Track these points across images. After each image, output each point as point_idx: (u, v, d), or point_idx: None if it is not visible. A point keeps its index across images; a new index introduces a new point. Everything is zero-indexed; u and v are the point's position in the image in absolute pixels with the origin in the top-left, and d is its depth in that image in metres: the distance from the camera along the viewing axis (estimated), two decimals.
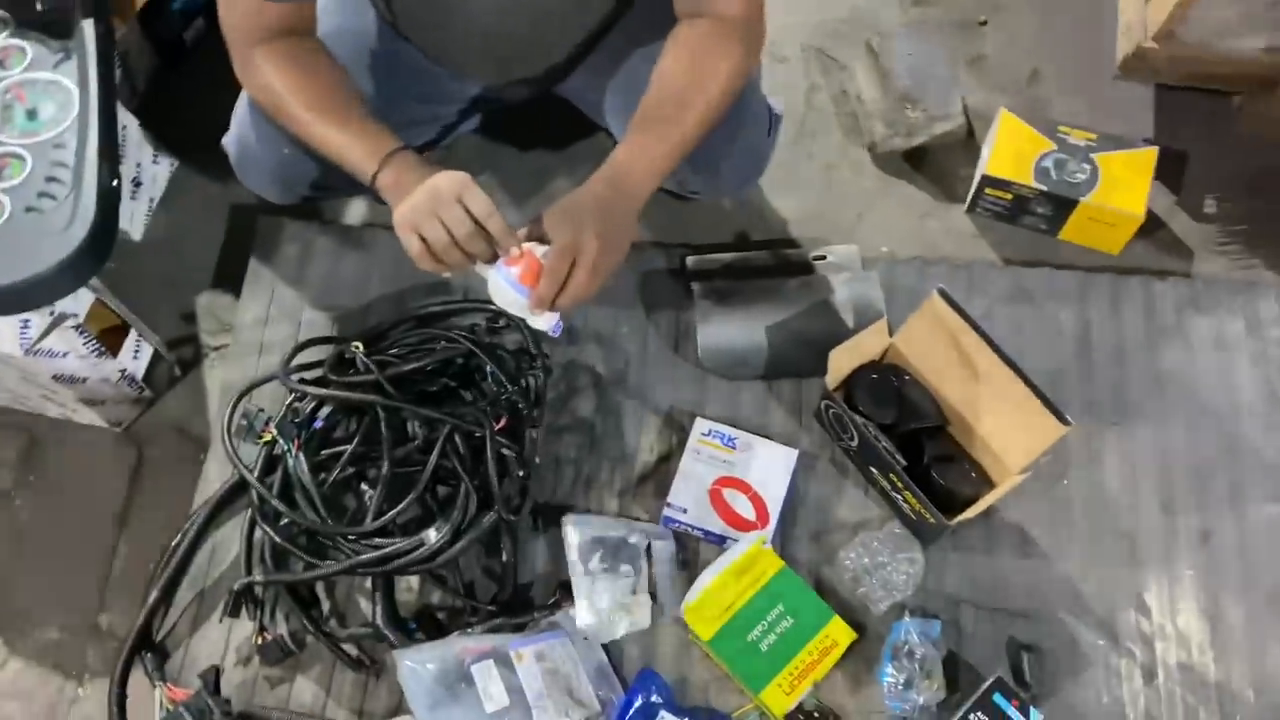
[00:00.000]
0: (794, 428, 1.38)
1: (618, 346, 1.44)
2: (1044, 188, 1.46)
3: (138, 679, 1.24)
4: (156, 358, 1.49)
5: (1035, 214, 1.51)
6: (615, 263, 1.07)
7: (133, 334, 1.42)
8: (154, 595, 1.27)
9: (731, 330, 1.41)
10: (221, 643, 1.27)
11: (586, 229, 1.03)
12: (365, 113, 1.13)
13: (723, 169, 1.30)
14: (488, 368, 1.30)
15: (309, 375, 1.32)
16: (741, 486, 1.32)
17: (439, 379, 1.33)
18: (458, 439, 1.27)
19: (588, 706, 1.18)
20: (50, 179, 1.28)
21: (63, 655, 1.34)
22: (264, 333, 1.46)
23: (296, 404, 1.31)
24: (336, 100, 1.13)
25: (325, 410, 1.30)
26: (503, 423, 1.28)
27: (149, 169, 1.61)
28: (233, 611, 1.26)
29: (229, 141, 1.31)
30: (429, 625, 1.26)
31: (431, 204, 1.03)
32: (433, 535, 1.20)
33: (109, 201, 1.28)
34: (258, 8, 1.10)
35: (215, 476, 1.35)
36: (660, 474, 1.35)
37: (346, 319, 1.46)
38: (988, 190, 1.51)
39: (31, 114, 1.33)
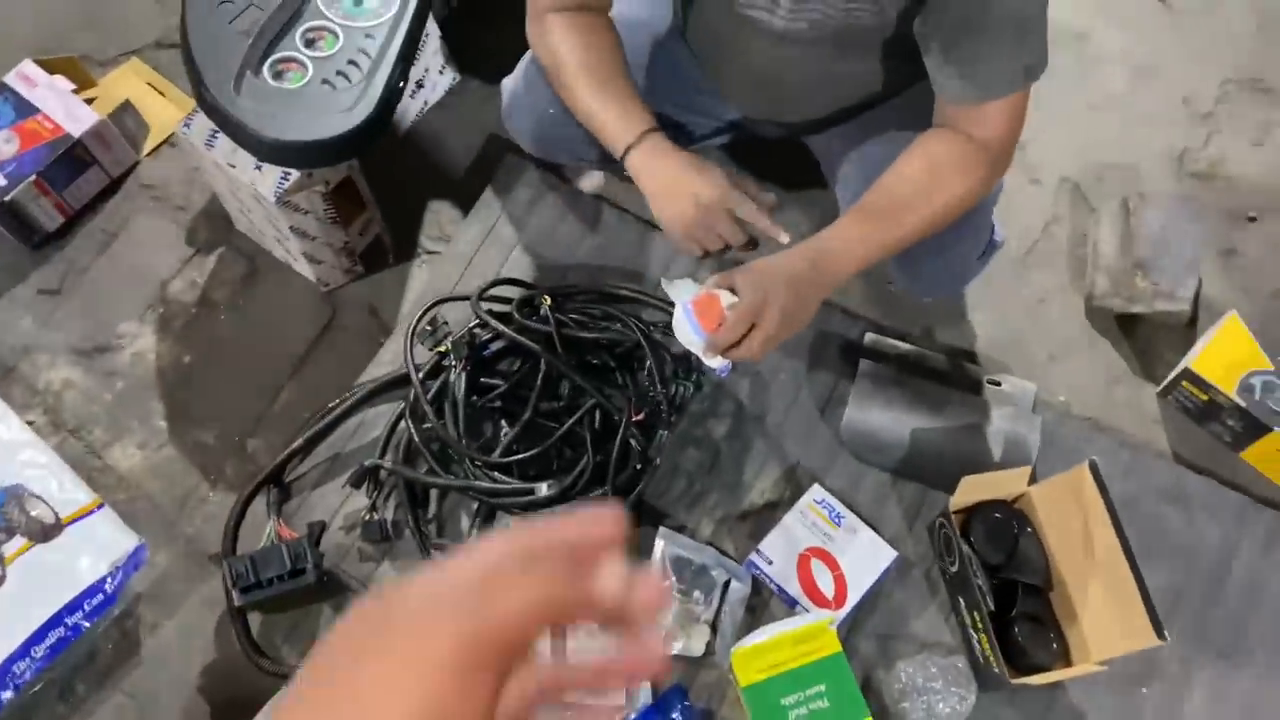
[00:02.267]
0: (903, 530, 1.40)
1: (770, 388, 1.49)
2: (1243, 403, 1.42)
3: (258, 506, 1.39)
4: (378, 241, 1.64)
5: (1224, 424, 1.47)
6: (791, 334, 1.12)
7: (366, 214, 1.58)
8: (298, 442, 1.41)
9: (881, 415, 1.44)
10: (336, 505, 1.41)
11: (774, 300, 1.08)
12: (631, 91, 1.21)
13: (923, 272, 1.33)
14: (648, 362, 1.38)
15: (496, 308, 1.43)
16: (831, 563, 1.35)
17: (603, 355, 1.42)
18: (598, 414, 1.36)
19: (615, 699, 1.25)
20: (351, 62, 1.43)
21: (208, 459, 1.51)
22: (474, 255, 1.58)
23: (476, 329, 1.43)
24: (608, 73, 1.21)
25: (498, 344, 1.41)
26: (641, 416, 1.36)
27: (434, 76, 1.76)
28: (355, 483, 1.39)
29: (505, 85, 1.42)
30: None
31: (705, 218, 1.15)
32: (544, 488, 1.30)
33: (391, 99, 1.42)
34: None
35: (388, 361, 1.49)
36: (762, 518, 1.40)
37: (547, 270, 1.57)
38: (1185, 383, 1.48)
39: (359, 1, 1.50)
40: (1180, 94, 1.79)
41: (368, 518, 1.37)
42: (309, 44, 1.45)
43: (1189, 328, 1.58)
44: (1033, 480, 1.35)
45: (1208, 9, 1.87)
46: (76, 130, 1.62)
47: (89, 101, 1.68)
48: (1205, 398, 1.46)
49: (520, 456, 1.33)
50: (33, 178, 1.59)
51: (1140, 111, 1.78)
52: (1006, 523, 1.34)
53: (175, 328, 1.61)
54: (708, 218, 1.15)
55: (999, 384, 1.48)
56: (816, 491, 1.40)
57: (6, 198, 1.57)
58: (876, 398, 1.45)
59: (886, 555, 1.36)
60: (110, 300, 1.63)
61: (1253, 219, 1.69)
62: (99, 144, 1.65)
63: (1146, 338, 1.59)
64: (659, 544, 1.34)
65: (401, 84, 1.44)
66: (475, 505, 1.37)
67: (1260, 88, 1.79)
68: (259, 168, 1.43)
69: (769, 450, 1.45)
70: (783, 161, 1.62)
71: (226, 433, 1.53)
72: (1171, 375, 1.51)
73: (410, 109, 1.75)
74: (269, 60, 1.42)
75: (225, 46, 1.41)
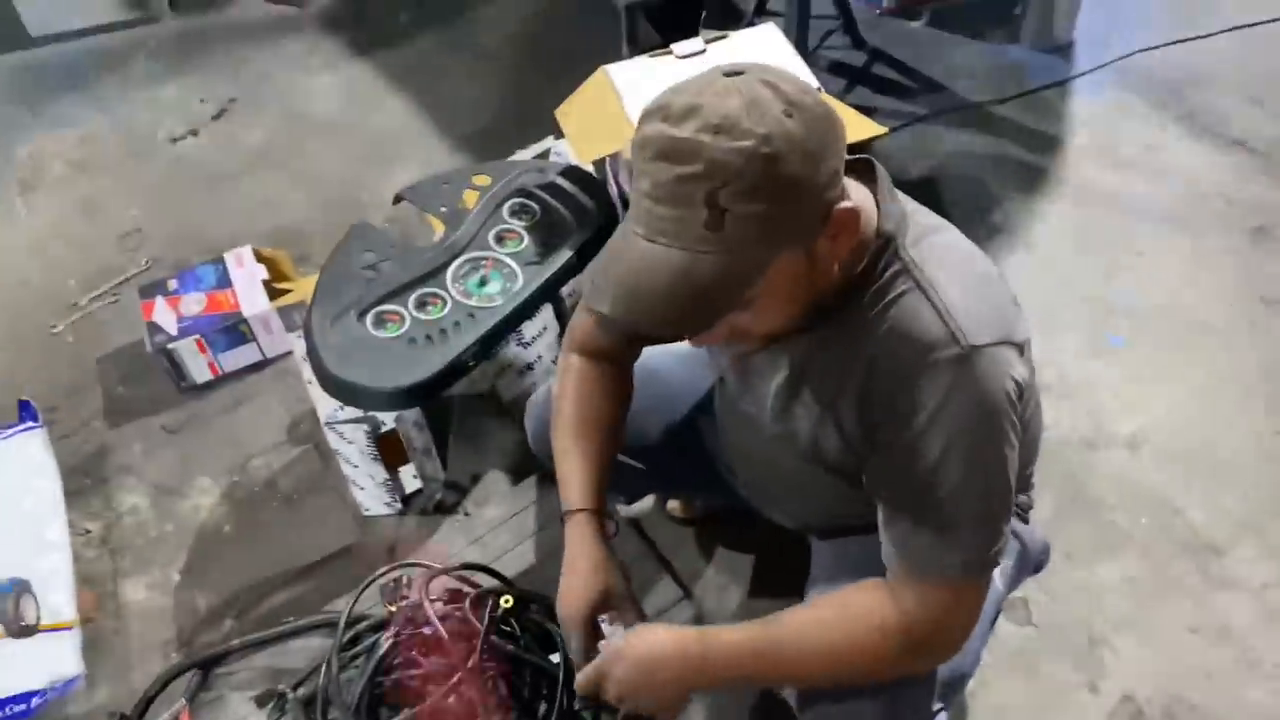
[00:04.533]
0: None
1: None
2: None
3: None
4: (426, 489, 1.74)
5: None
6: (651, 710, 1.09)
7: (410, 463, 1.69)
8: (235, 643, 1.51)
9: None
10: (243, 715, 1.45)
11: (615, 673, 1.06)
12: (597, 459, 1.23)
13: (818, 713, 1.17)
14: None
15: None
16: None
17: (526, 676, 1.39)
18: None
19: None
20: (443, 330, 1.58)
21: (189, 622, 1.62)
22: (486, 534, 1.63)
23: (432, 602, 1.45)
24: (588, 433, 1.24)
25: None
26: None
27: (545, 363, 1.89)
28: (260, 702, 1.45)
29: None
30: None
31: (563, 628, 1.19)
32: None
33: (453, 372, 1.54)
34: (592, 326, 1.26)
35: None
36: None
37: (537, 578, 1.58)
38: None
39: (482, 282, 1.67)
40: None
41: None
42: (420, 306, 1.62)
43: None
44: None
45: None
46: (248, 311, 1.91)
47: (279, 293, 1.97)
48: None
49: None
50: (196, 336, 1.87)
51: (1253, 658, 1.52)
52: None
53: (235, 498, 1.78)
54: (563, 627, 1.18)
55: None
56: None
57: (170, 345, 1.86)
58: None
59: None
60: (207, 455, 1.84)
61: None
62: (262, 327, 1.92)
63: None
64: None
65: (472, 362, 1.56)
66: None
67: None
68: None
69: None
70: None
71: (215, 606, 1.64)
72: None
73: (517, 385, 1.87)
74: (377, 309, 1.60)
75: (349, 285, 1.62)
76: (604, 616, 1.18)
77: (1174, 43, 2.58)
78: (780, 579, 1.62)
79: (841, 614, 1.06)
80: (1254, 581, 1.59)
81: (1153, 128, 2.42)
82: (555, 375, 1.36)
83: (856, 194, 0.96)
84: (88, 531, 1.74)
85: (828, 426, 1.05)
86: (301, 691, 1.41)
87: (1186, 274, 2.08)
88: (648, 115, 0.88)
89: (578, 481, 1.22)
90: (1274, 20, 2.58)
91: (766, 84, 0.86)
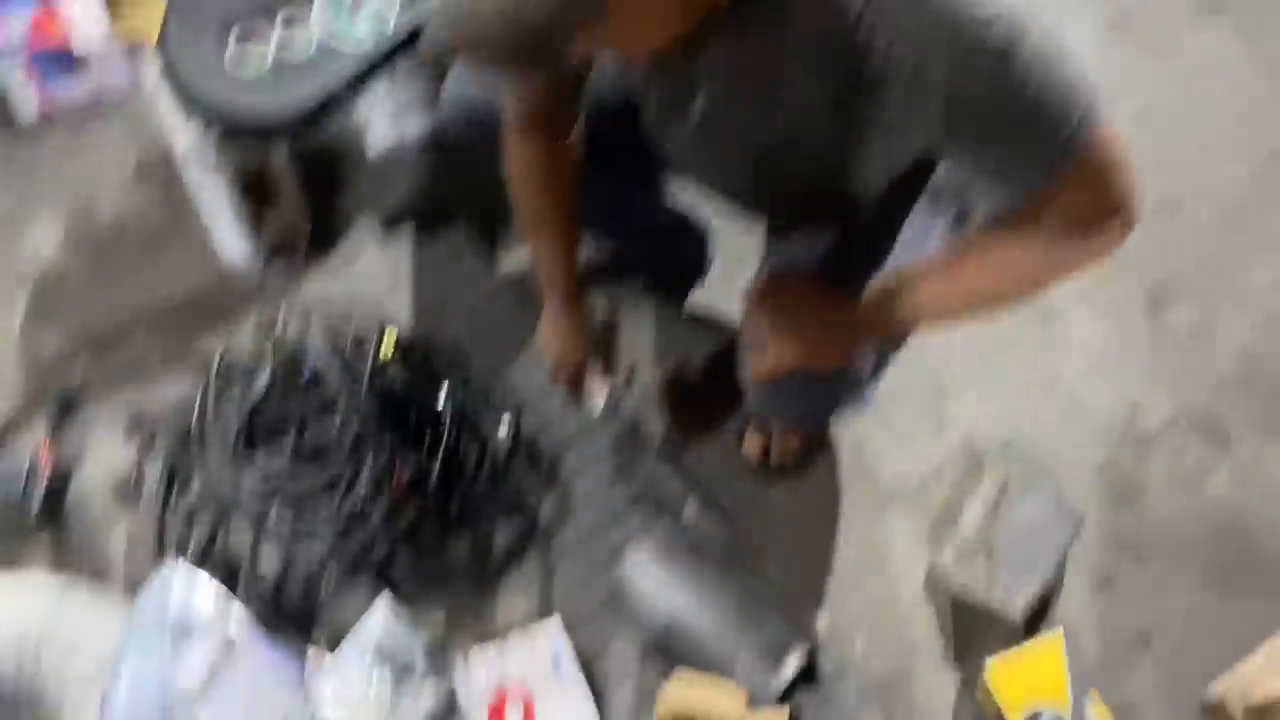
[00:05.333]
0: (625, 713, 1.31)
1: (577, 515, 1.44)
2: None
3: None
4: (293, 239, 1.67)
5: None
6: (802, 360, 1.09)
7: (278, 209, 1.61)
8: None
9: (654, 582, 1.35)
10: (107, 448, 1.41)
11: (770, 319, 1.09)
12: (562, 248, 1.34)
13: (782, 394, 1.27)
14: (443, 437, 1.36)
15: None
16: (529, 713, 1.26)
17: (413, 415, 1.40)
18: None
19: None
20: (319, 56, 1.48)
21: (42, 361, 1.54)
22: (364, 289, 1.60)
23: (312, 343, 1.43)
24: (550, 223, 1.31)
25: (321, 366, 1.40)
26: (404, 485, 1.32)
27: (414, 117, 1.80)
28: (129, 431, 1.41)
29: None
30: None
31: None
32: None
33: (333, 103, 1.46)
34: (517, 102, 1.17)
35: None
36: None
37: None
38: (979, 692, 1.35)
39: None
40: (1129, 406, 1.69)
41: (125, 475, 1.36)
42: (288, 24, 1.49)
43: (1024, 634, 1.45)
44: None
45: (1196, 337, 1.78)
46: (83, 34, 1.71)
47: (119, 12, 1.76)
48: (991, 710, 1.34)
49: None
50: (21, 63, 1.69)
51: (1080, 407, 1.69)
52: None
53: (79, 241, 1.66)
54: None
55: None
56: (553, 627, 1.32)
57: None
58: (662, 563, 1.37)
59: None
60: (44, 197, 1.70)
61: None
62: (101, 53, 1.74)
63: (972, 626, 1.47)
64: (380, 608, 1.28)
65: (352, 92, 1.47)
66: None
67: (1213, 432, 1.68)
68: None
69: (541, 571, 1.39)
70: None
71: (66, 349, 1.55)
72: (976, 676, 1.38)
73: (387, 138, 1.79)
74: (243, 23, 1.46)
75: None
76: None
77: None
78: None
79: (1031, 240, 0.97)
80: (1081, 340, 1.75)
81: None
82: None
83: None
84: None
85: (803, 130, 0.99)
86: (163, 428, 1.38)
87: None
88: None
89: (556, 270, 1.35)
90: None
91: None
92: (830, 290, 1.07)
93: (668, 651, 1.33)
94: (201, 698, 1.18)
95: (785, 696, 1.28)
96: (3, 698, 1.17)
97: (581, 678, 1.28)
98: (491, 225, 1.72)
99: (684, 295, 1.71)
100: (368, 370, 1.36)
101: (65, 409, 1.43)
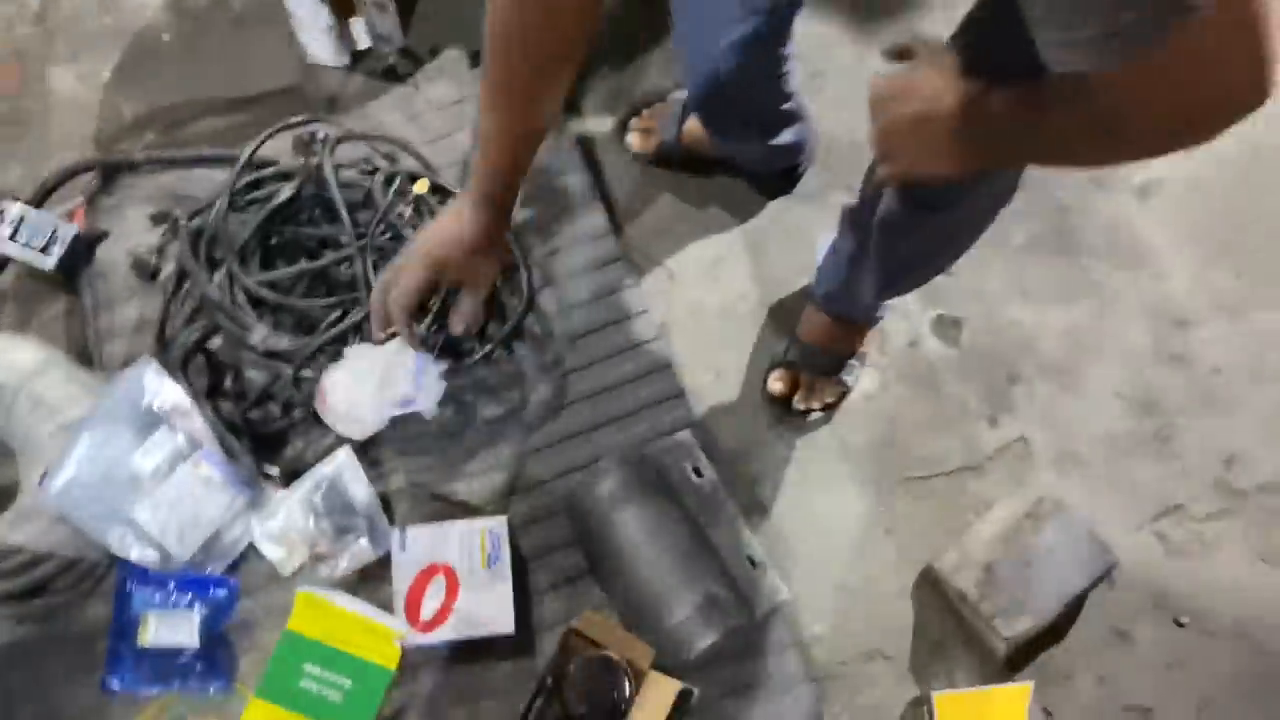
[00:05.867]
0: (544, 619, 1.27)
1: (575, 407, 1.37)
2: None
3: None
4: (376, 47, 1.60)
5: None
6: (914, 165, 0.92)
7: (359, 13, 1.53)
8: (140, 155, 1.46)
9: (615, 506, 1.28)
10: (138, 229, 1.43)
11: (884, 114, 0.89)
12: (510, 137, 1.08)
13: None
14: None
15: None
16: (452, 591, 1.24)
17: None
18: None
19: None
20: None
21: (113, 119, 1.56)
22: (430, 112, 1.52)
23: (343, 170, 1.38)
24: (507, 94, 1.04)
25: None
26: None
27: None
28: (156, 220, 1.41)
29: None
30: None
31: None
32: (257, 331, 1.27)
33: None
34: None
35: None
36: (443, 510, 1.31)
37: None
38: None
39: None
40: (1224, 455, 1.45)
41: (143, 255, 1.38)
42: None
43: (1004, 669, 1.31)
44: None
45: None
46: None
47: None
48: None
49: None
50: None
51: (1167, 440, 1.46)
52: (610, 681, 1.17)
53: (182, 9, 1.65)
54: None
55: (755, 564, 1.28)
56: (497, 523, 1.27)
57: None
58: (629, 486, 1.29)
59: (503, 624, 1.23)
60: None
61: (1181, 624, 1.37)
62: None
63: (947, 644, 1.34)
64: (340, 459, 1.27)
65: None
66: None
67: None
68: None
69: (510, 451, 1.34)
70: None
71: (140, 114, 1.56)
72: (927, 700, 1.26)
73: None
74: None
75: None
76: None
77: None
78: (719, 242, 1.55)
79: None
80: (1204, 363, 1.50)
81: None
82: None
83: None
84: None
85: None
86: (196, 222, 1.37)
87: None
88: None
89: (485, 166, 1.10)
90: None
91: None
92: (954, 89, 0.86)
93: (605, 579, 1.28)
94: (148, 486, 1.22)
95: (705, 666, 1.20)
96: None
97: (509, 580, 1.24)
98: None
99: (789, 189, 1.58)
100: (382, 212, 1.30)
101: (112, 175, 1.44)
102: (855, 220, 1.24)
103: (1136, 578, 1.37)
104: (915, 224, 1.13)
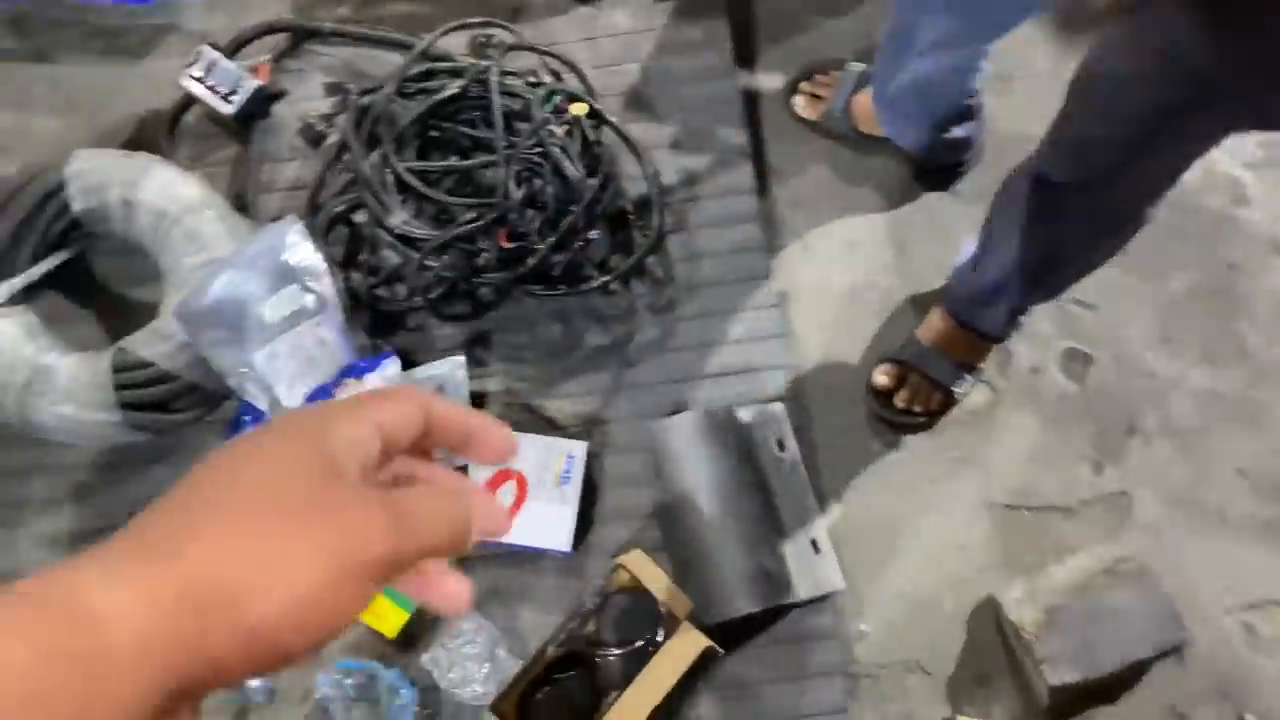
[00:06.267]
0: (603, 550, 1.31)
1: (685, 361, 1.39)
2: None
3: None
4: None
5: None
6: None
7: None
8: (329, 25, 1.51)
9: (685, 466, 1.29)
10: (311, 95, 1.50)
11: None
12: None
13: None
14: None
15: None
16: (520, 498, 1.29)
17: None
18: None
19: None
20: None
21: None
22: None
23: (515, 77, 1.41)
24: None
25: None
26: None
27: None
28: (329, 92, 1.47)
29: None
30: None
31: None
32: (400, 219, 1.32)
33: None
34: None
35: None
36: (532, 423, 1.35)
37: None
38: None
39: None
40: None
41: (313, 120, 1.45)
42: None
43: (1044, 716, 1.28)
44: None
45: None
46: None
47: None
48: None
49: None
50: None
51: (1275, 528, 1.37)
52: (645, 620, 1.20)
53: None
54: None
55: (817, 549, 1.28)
56: (578, 447, 1.31)
57: None
58: (708, 442, 1.30)
59: (561, 542, 1.27)
60: None
61: None
62: None
63: (993, 679, 1.31)
64: (450, 362, 1.32)
65: None
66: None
67: None
68: None
69: (607, 381, 1.36)
70: None
71: None
72: None
73: None
74: None
75: None
76: None
77: None
78: (862, 224, 1.51)
79: None
80: None
81: None
82: None
83: None
84: None
85: None
86: (365, 100, 1.42)
87: None
88: None
89: None
90: None
91: None
92: None
93: (666, 523, 1.30)
94: (270, 334, 1.30)
95: (736, 632, 1.21)
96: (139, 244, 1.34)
97: (575, 504, 1.27)
98: (750, 32, 1.59)
99: (947, 185, 1.55)
100: (534, 126, 1.33)
101: (301, 39, 1.51)
102: (1006, 198, 1.20)
103: (1210, 662, 1.31)
104: (1063, 205, 1.09)
